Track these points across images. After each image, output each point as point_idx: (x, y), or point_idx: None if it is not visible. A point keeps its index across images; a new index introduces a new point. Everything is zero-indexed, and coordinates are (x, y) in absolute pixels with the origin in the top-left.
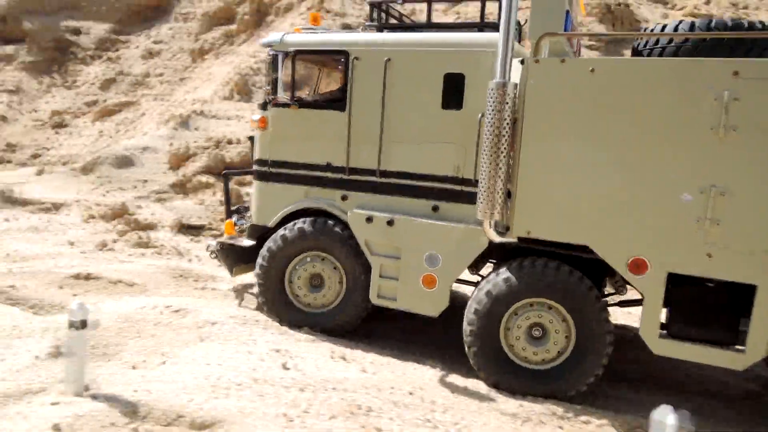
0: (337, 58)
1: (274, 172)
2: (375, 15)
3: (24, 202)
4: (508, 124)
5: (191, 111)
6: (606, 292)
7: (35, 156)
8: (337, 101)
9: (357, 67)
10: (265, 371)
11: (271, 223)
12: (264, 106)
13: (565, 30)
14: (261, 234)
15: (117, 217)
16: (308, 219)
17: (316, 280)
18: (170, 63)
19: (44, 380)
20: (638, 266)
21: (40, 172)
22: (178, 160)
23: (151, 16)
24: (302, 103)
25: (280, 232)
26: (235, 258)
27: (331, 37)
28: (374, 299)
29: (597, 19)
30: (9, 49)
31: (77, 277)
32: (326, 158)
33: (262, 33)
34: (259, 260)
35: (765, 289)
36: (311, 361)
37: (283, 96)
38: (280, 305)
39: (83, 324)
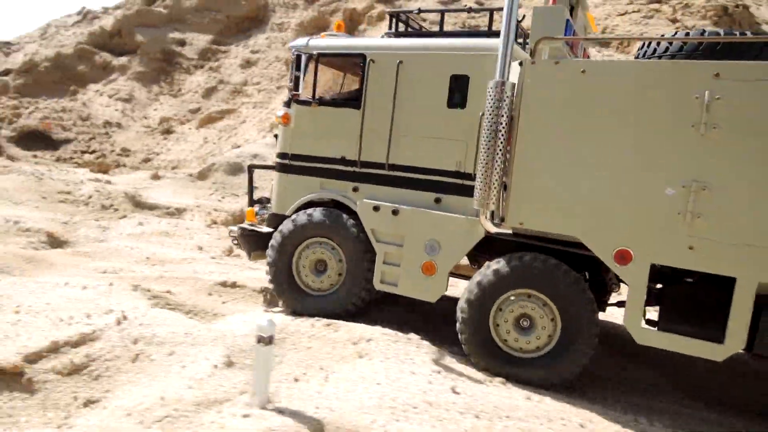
0: (355, 60)
1: (293, 164)
2: (394, 24)
3: (151, 207)
4: (505, 120)
5: None
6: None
7: (146, 160)
8: (353, 100)
9: (372, 68)
10: (437, 394)
11: (288, 212)
12: (288, 104)
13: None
14: (279, 222)
15: (237, 223)
16: (318, 208)
17: (321, 265)
18: (267, 72)
19: (227, 390)
20: (623, 257)
21: (155, 177)
22: None
23: (248, 26)
24: (322, 101)
25: (291, 218)
26: (254, 244)
27: (351, 42)
28: (377, 285)
29: (712, 22)
30: (123, 60)
31: (224, 284)
32: (341, 152)
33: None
34: (272, 242)
35: (743, 281)
36: (474, 383)
37: (304, 94)
38: (288, 287)
39: (271, 340)
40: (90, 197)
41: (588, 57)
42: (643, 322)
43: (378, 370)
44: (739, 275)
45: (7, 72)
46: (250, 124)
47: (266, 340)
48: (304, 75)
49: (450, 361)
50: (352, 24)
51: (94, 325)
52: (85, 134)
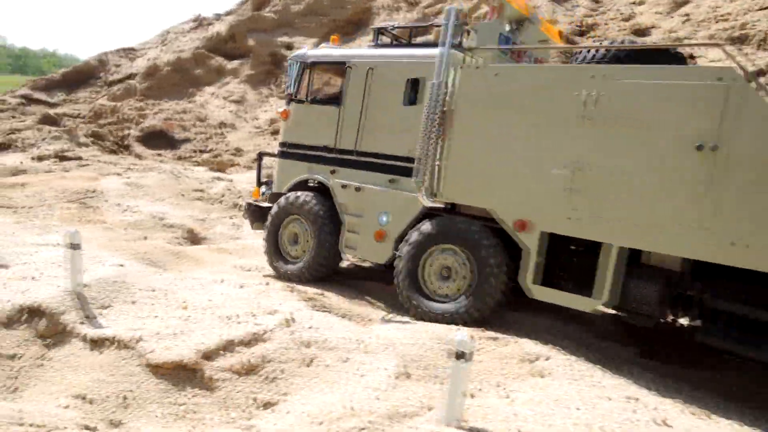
0: (339, 67)
1: (289, 152)
2: (375, 36)
3: None
4: (440, 114)
5: None
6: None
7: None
8: (335, 99)
9: (351, 73)
10: (643, 428)
11: (284, 190)
12: (287, 102)
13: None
14: (277, 199)
15: None
16: (295, 193)
17: (295, 237)
18: None
19: (414, 404)
20: (522, 226)
21: (269, 176)
22: None
23: (352, 29)
24: (313, 100)
25: (280, 198)
26: (257, 216)
27: (337, 52)
28: (342, 249)
29: None
30: (235, 63)
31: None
32: (324, 142)
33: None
34: (269, 215)
35: (608, 247)
36: (686, 417)
37: (300, 94)
38: (274, 253)
39: (470, 356)
40: (222, 195)
41: (542, 62)
42: (531, 280)
43: (570, 392)
44: (605, 240)
45: (131, 76)
46: None
47: (465, 356)
48: (301, 78)
49: (639, 385)
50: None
51: (262, 326)
52: (202, 134)
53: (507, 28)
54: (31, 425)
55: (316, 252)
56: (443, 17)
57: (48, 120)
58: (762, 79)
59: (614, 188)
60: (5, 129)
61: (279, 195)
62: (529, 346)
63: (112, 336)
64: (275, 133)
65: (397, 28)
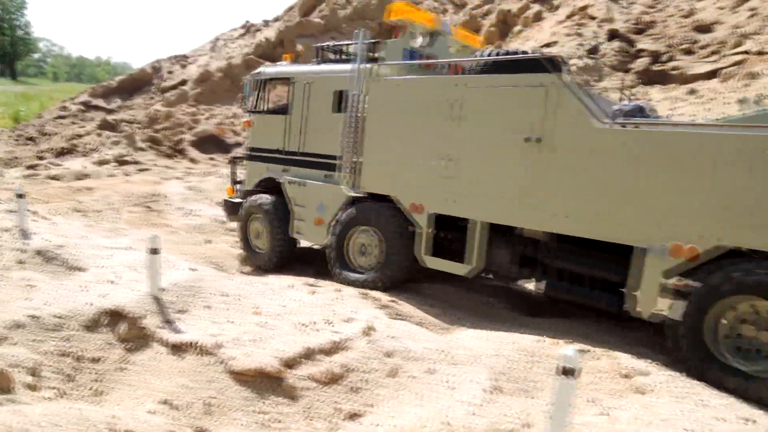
0: (286, 82)
1: (253, 155)
2: (318, 54)
3: None
4: (356, 119)
5: None
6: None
7: None
8: (284, 109)
9: (294, 88)
10: None
11: (251, 188)
12: (249, 113)
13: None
14: (246, 195)
15: None
16: (254, 195)
17: (257, 232)
18: None
19: (511, 420)
20: (416, 208)
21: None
22: None
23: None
24: (268, 111)
25: (244, 203)
26: (232, 210)
27: (284, 69)
28: (292, 234)
29: None
30: None
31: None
32: (277, 145)
33: (512, 43)
34: (240, 211)
35: (474, 222)
36: None
37: (259, 106)
38: (245, 245)
39: (579, 373)
40: None
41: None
42: (424, 252)
43: (677, 412)
44: (474, 216)
45: (184, 82)
46: None
47: (572, 373)
48: (258, 93)
49: (750, 405)
50: (506, 26)
51: (341, 334)
52: None
53: (419, 42)
54: (124, 431)
55: (271, 241)
56: (354, 38)
57: (107, 126)
58: None
59: (474, 175)
60: (68, 134)
61: (248, 192)
62: (624, 359)
63: (193, 341)
64: None
65: (336, 44)
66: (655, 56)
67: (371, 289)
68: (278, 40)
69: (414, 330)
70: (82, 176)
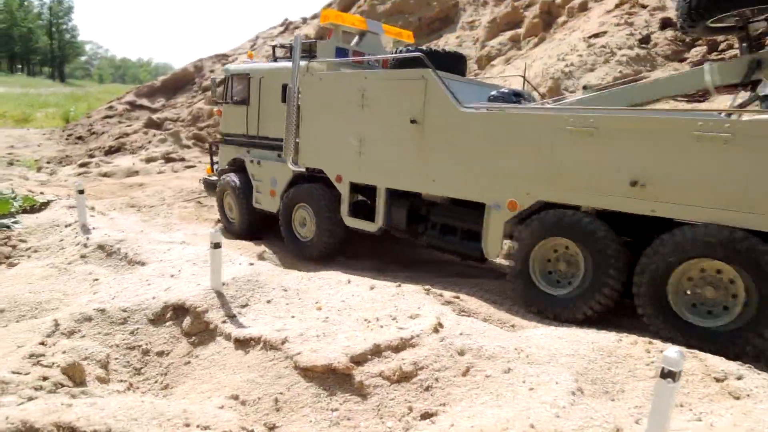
0: (246, 77)
1: (225, 139)
2: (274, 53)
3: None
4: (295, 107)
5: None
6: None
7: None
8: (245, 100)
9: (251, 81)
10: None
11: (224, 167)
12: (219, 104)
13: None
14: (220, 174)
15: None
16: (223, 176)
17: (230, 206)
18: None
19: (599, 424)
20: (338, 178)
21: None
22: None
23: (438, 26)
24: (234, 102)
25: (218, 181)
26: (210, 187)
27: (244, 67)
28: (255, 205)
29: None
30: None
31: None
32: (241, 131)
33: (557, 35)
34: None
35: (379, 189)
36: None
37: (226, 97)
38: (223, 217)
39: (679, 375)
40: None
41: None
42: (346, 213)
43: None
44: (378, 184)
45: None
46: None
47: (674, 376)
48: (226, 86)
49: None
50: (550, 17)
51: (409, 330)
52: None
53: (355, 41)
54: (197, 426)
55: (240, 213)
56: (292, 41)
57: (152, 124)
58: None
59: (377, 150)
60: (115, 133)
61: (222, 171)
62: (713, 361)
63: (258, 336)
64: None
65: (284, 45)
66: (713, 45)
67: (310, 253)
68: (318, 37)
69: (484, 327)
70: (132, 173)
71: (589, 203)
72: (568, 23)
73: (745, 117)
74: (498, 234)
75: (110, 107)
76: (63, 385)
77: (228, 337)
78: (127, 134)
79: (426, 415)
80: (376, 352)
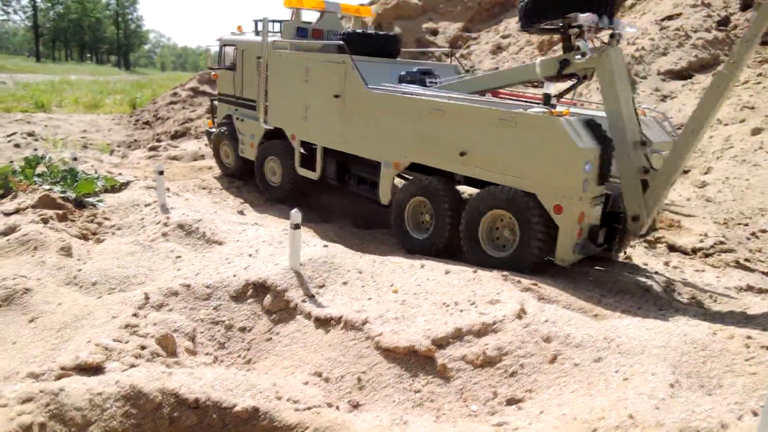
0: (233, 47)
1: (221, 99)
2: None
3: None
4: (264, 76)
5: None
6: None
7: None
8: (233, 66)
9: (237, 52)
10: None
11: (221, 121)
12: (215, 69)
13: (301, 38)
14: (219, 127)
15: None
16: (220, 128)
17: (227, 153)
18: (517, 56)
19: (701, 419)
20: (292, 137)
21: None
22: None
23: (498, 12)
24: (226, 67)
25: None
26: (210, 138)
27: (232, 38)
28: (240, 153)
29: None
30: None
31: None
32: (231, 92)
33: (624, 18)
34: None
35: (319, 146)
36: None
37: (221, 64)
38: (219, 162)
39: None
40: None
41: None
42: (298, 165)
43: None
44: (317, 142)
45: None
46: None
47: None
48: (220, 54)
49: None
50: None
51: (490, 315)
52: None
53: (316, 20)
54: (287, 399)
55: (234, 157)
56: (261, 25)
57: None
58: None
59: (315, 116)
60: (180, 118)
61: (220, 124)
62: None
63: (338, 316)
64: None
65: (257, 21)
66: None
67: (278, 195)
68: (377, 23)
69: (569, 315)
70: (198, 157)
71: (441, 166)
72: (637, 6)
73: (524, 110)
74: (388, 185)
75: (174, 93)
76: (158, 355)
77: (308, 316)
78: (191, 119)
79: (512, 401)
80: (458, 336)
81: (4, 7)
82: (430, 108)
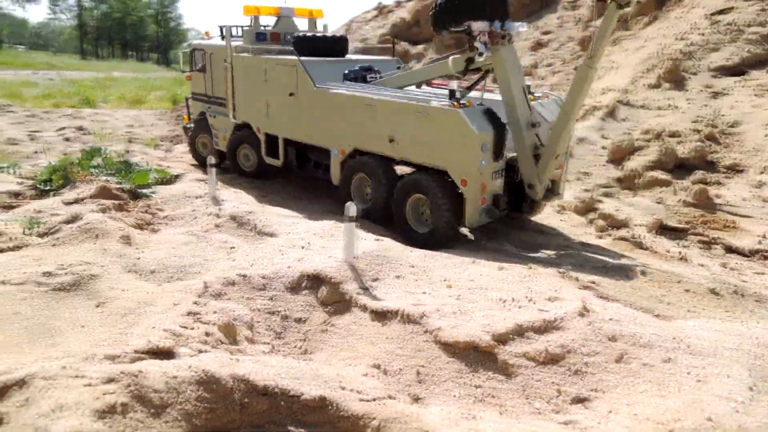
0: (203, 51)
1: (195, 98)
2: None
3: None
4: (230, 76)
5: (615, 101)
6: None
7: None
8: (204, 68)
9: (205, 55)
10: None
11: (195, 118)
12: (187, 71)
13: (260, 42)
14: (195, 124)
15: (588, 210)
16: (196, 123)
17: (204, 145)
18: (558, 53)
19: None
20: (258, 130)
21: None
22: (622, 153)
23: (538, 8)
24: (198, 69)
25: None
26: (187, 132)
27: (202, 42)
28: (215, 146)
29: None
30: (419, 47)
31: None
32: (203, 91)
33: (672, 13)
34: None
35: (280, 138)
36: None
37: (193, 66)
38: (194, 155)
39: None
40: None
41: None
42: (264, 154)
43: None
44: (278, 134)
45: None
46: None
47: None
48: (192, 58)
49: None
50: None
51: (552, 312)
52: None
53: (273, 24)
54: (351, 390)
55: (211, 148)
56: (225, 32)
57: None
58: None
59: (275, 112)
60: None
61: (195, 120)
62: None
63: (395, 309)
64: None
65: (221, 30)
66: None
67: (251, 176)
68: (413, 20)
69: (634, 314)
70: None
71: (376, 150)
72: (685, 0)
73: (433, 103)
74: (337, 169)
75: None
76: (222, 342)
77: (364, 309)
78: None
79: (577, 400)
80: (519, 332)
81: (52, 7)
82: (364, 103)
